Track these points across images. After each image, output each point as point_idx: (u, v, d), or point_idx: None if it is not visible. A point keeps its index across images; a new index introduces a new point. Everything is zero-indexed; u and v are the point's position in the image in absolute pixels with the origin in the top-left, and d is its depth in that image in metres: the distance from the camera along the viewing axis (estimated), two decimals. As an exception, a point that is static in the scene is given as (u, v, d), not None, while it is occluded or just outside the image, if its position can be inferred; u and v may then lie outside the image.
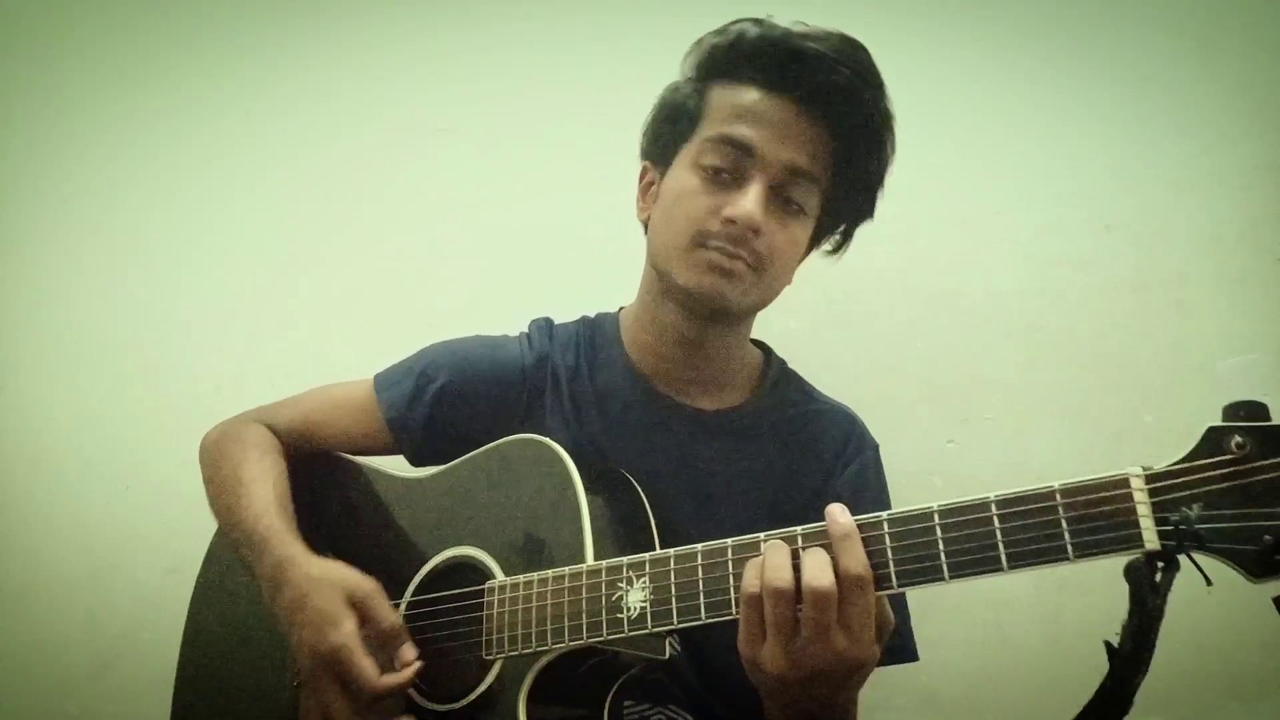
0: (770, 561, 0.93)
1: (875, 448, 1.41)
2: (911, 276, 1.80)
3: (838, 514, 0.94)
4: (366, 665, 1.08)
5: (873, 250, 1.77)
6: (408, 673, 1.12)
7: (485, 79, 1.99)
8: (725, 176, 1.23)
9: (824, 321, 1.80)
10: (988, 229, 1.78)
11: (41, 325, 2.10)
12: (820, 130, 1.24)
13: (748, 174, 1.22)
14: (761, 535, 0.98)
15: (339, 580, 1.15)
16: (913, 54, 1.80)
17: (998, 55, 1.82)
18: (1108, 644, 0.83)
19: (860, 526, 0.93)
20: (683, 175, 1.27)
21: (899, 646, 1.29)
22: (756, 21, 1.26)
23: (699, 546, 1.02)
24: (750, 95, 1.23)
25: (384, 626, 1.14)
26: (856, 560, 0.91)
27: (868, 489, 1.36)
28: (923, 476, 1.70)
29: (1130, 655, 0.81)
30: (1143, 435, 1.61)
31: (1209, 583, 0.78)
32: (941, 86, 1.82)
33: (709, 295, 1.25)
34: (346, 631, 1.10)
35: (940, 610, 1.66)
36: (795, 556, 0.94)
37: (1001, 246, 1.77)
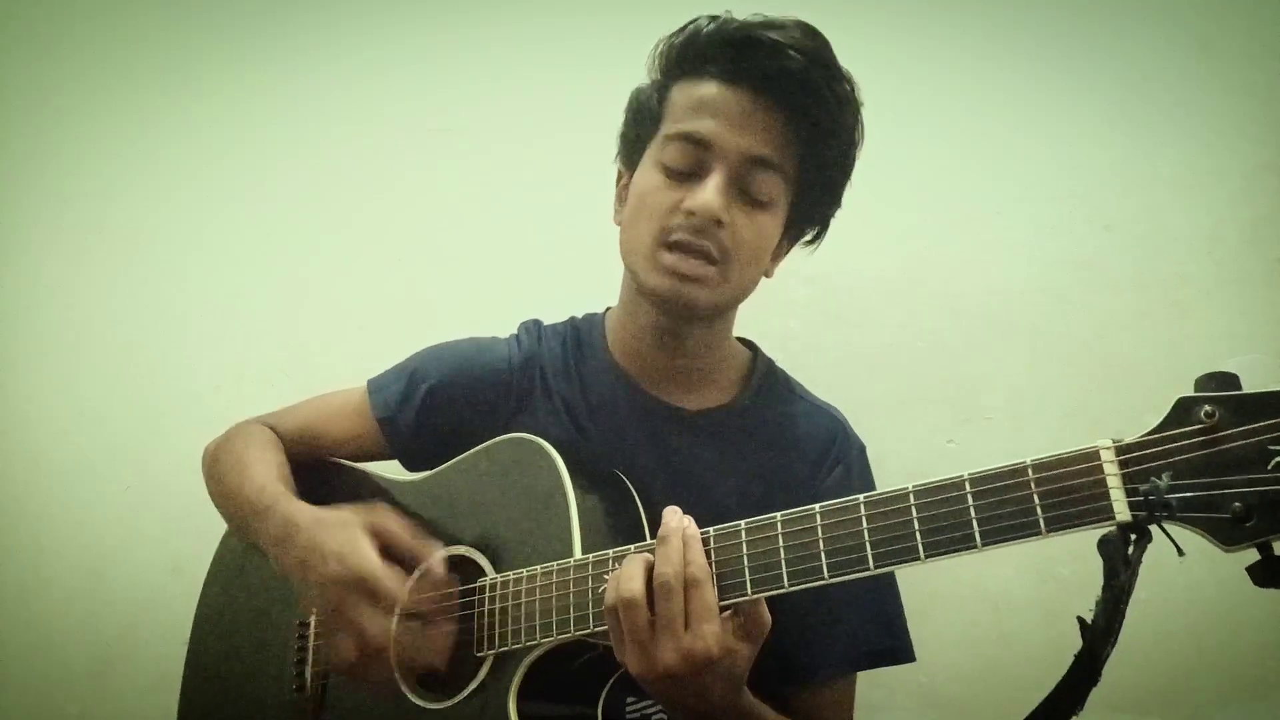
0: (622, 573, 1.00)
1: (861, 449, 1.40)
2: (911, 276, 1.79)
3: (668, 517, 1.01)
4: (394, 585, 1.11)
5: (873, 250, 1.78)
6: (439, 574, 1.17)
7: (485, 79, 1.99)
8: (686, 172, 1.23)
9: (824, 321, 1.80)
10: (988, 229, 1.78)
11: (41, 325, 2.10)
12: (779, 117, 1.22)
13: (707, 167, 1.22)
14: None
15: (352, 516, 1.17)
16: (912, 54, 1.81)
17: (998, 55, 1.82)
18: (1080, 620, 0.83)
19: (838, 509, 0.95)
20: (645, 174, 1.27)
21: (895, 647, 1.29)
22: (713, 17, 1.25)
23: None
24: (707, 89, 1.23)
25: (408, 546, 1.17)
26: (667, 561, 0.97)
27: (852, 492, 1.33)
28: (922, 477, 1.68)
29: (1102, 628, 0.80)
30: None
31: (1180, 553, 0.78)
32: (942, 87, 1.82)
33: (675, 298, 1.24)
34: (371, 556, 1.12)
35: (940, 610, 1.66)
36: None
37: (1001, 246, 1.77)
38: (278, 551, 1.21)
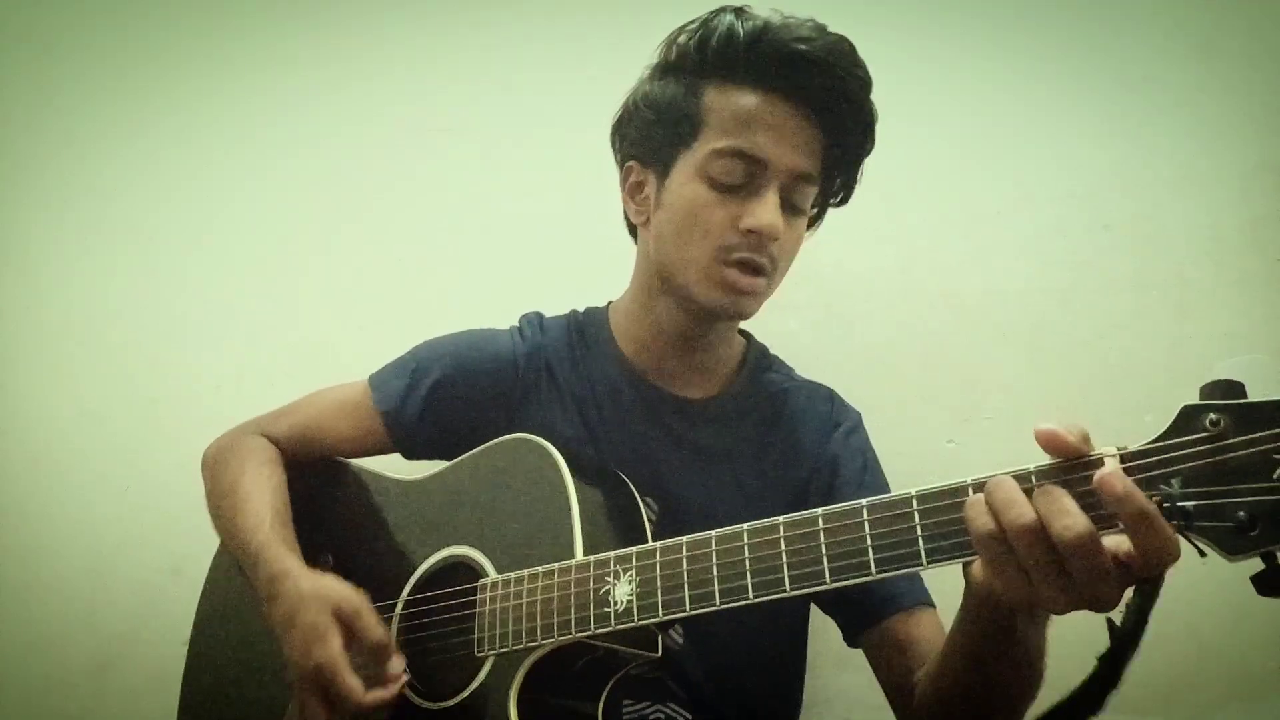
0: (1055, 506, 0.79)
1: (858, 414, 1.46)
2: (911, 276, 1.79)
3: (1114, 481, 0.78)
4: (352, 683, 1.09)
5: (873, 250, 1.78)
6: (393, 688, 1.12)
7: (485, 79, 1.99)
8: (736, 186, 1.24)
9: (824, 321, 1.80)
10: (988, 229, 1.78)
11: (41, 324, 2.10)
12: (815, 130, 1.26)
13: (760, 182, 1.23)
14: (744, 526, 0.99)
15: (326, 595, 1.15)
16: (912, 54, 1.80)
17: (998, 55, 1.82)
18: (1110, 621, 0.82)
19: (840, 514, 0.93)
20: (691, 185, 1.26)
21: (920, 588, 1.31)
22: (738, 14, 1.25)
23: (684, 539, 1.02)
24: (750, 100, 1.23)
25: (371, 641, 1.13)
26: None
27: (865, 449, 1.41)
28: (922, 477, 1.68)
29: (1129, 632, 0.80)
30: (1143, 435, 1.58)
31: (1202, 554, 0.77)
32: (941, 87, 1.82)
33: (727, 312, 1.29)
34: (332, 648, 1.10)
35: (940, 610, 1.65)
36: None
37: (1001, 246, 1.77)
38: (263, 601, 1.23)
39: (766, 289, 1.29)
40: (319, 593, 1.16)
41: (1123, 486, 0.76)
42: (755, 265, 1.24)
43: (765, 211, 1.22)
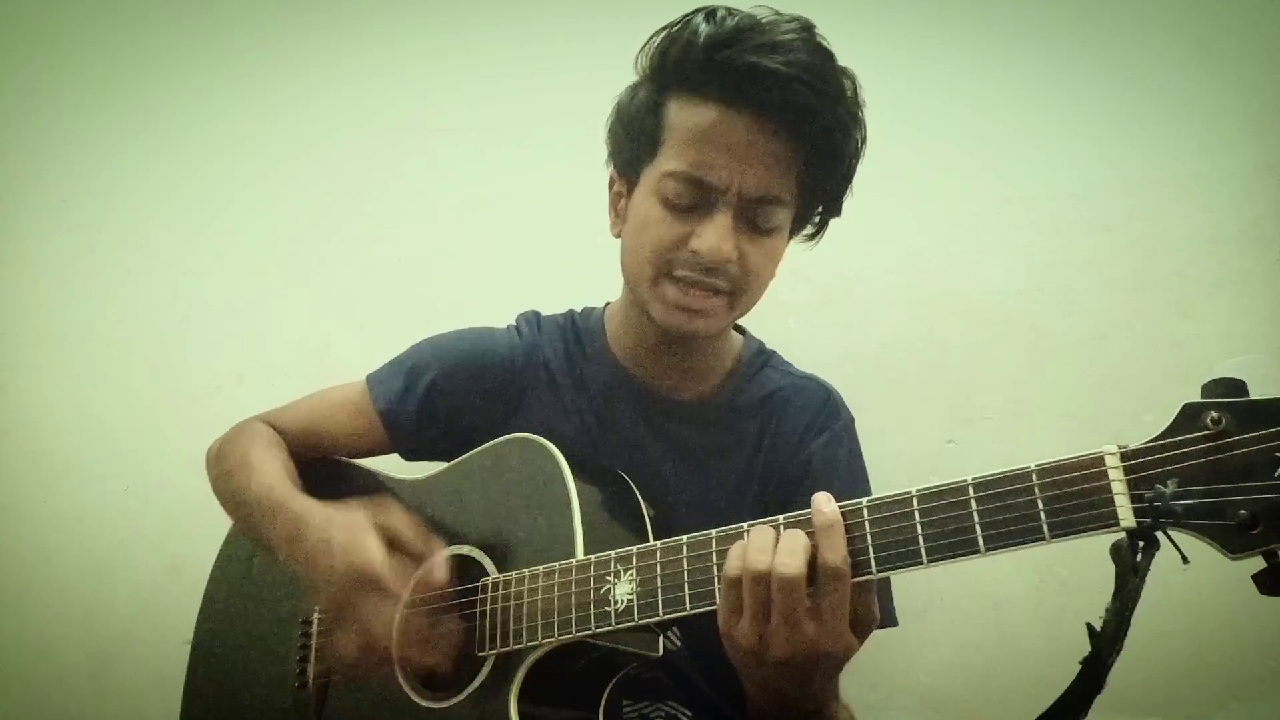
0: (753, 544, 0.93)
1: (850, 420, 1.41)
2: (911, 276, 1.80)
3: (822, 503, 0.93)
4: (400, 579, 1.12)
5: (873, 250, 1.78)
6: (442, 575, 1.15)
7: (485, 79, 1.99)
8: (688, 206, 1.19)
9: (824, 321, 1.80)
10: (988, 229, 1.78)
11: (42, 325, 2.10)
12: (781, 144, 1.18)
13: (712, 204, 1.18)
14: (745, 525, 0.98)
15: (362, 513, 1.18)
16: (913, 54, 1.81)
17: (998, 55, 1.82)
18: (1089, 626, 0.82)
19: (842, 514, 0.93)
20: (646, 202, 1.22)
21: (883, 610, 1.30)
22: (709, 17, 1.18)
23: (684, 538, 1.02)
24: (708, 115, 1.16)
25: (417, 550, 1.17)
26: (835, 552, 0.91)
27: (838, 460, 1.36)
28: (922, 476, 1.68)
29: (1110, 635, 0.80)
30: (1143, 435, 1.59)
31: (1185, 560, 0.77)
32: (942, 86, 1.82)
33: (678, 331, 1.24)
34: (377, 552, 1.13)
35: (940, 610, 1.66)
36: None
37: (1001, 246, 1.77)
38: (288, 549, 1.22)
39: (724, 307, 1.24)
40: (353, 514, 1.18)
41: (829, 509, 0.92)
42: (706, 286, 1.20)
43: (711, 235, 1.17)
